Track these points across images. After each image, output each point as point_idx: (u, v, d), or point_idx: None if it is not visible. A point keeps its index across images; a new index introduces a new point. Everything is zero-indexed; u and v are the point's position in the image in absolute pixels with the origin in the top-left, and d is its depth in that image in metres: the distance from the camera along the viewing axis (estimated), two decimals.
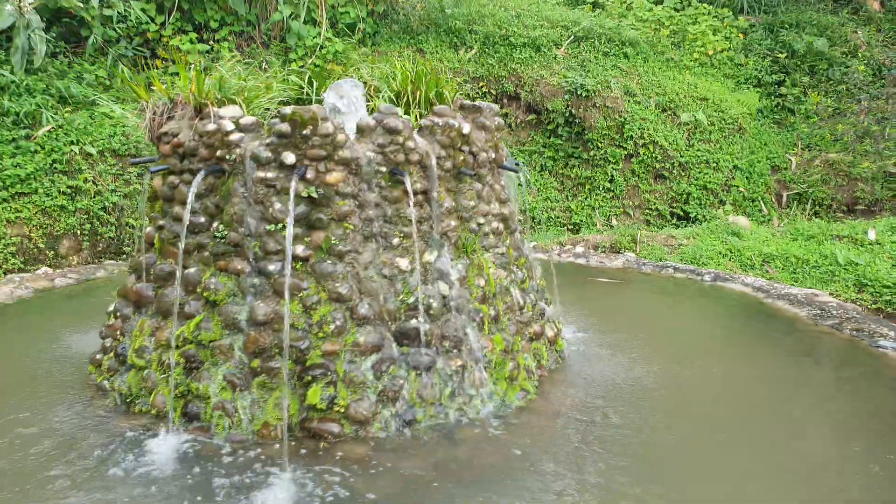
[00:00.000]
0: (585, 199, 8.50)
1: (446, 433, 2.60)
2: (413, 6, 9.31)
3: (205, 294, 2.64)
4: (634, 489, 2.21)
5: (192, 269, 2.73)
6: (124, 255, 7.18)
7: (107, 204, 7.04)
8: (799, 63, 9.96)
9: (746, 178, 8.67)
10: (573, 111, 8.54)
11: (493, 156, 3.05)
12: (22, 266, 6.72)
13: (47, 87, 7.19)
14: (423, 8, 9.37)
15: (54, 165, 6.86)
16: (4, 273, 6.47)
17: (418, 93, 3.33)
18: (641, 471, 2.33)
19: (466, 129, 2.84)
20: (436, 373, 2.67)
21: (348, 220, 2.61)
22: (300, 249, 2.56)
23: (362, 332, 2.59)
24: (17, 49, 6.91)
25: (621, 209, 8.47)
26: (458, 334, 2.73)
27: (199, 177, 2.58)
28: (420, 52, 8.98)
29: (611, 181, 8.53)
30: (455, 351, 2.72)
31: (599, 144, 8.52)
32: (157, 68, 8.23)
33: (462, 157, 2.86)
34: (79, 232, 6.96)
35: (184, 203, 2.78)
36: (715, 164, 8.55)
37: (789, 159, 8.93)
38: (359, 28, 8.93)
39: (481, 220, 2.96)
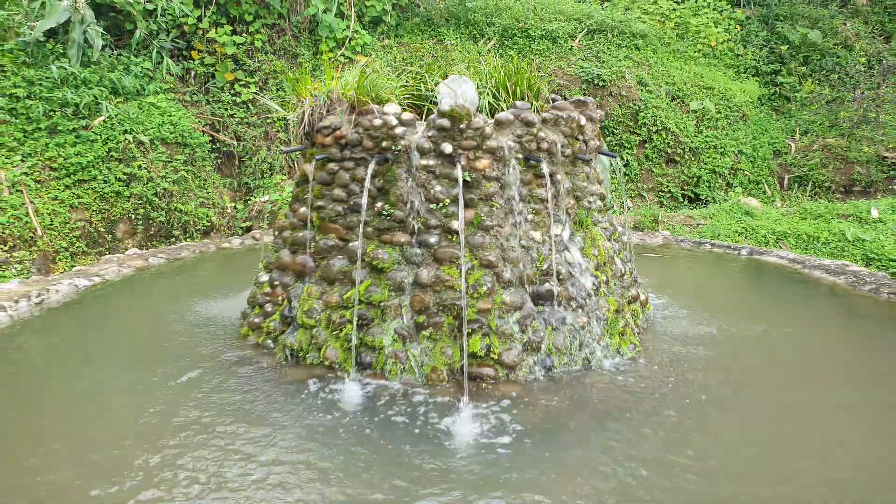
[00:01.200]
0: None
1: (577, 377, 3.12)
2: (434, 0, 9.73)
3: (373, 262, 3.12)
4: (708, 414, 2.75)
5: (355, 242, 3.20)
6: (173, 239, 7.56)
7: (158, 190, 7.39)
8: (794, 53, 10.62)
9: (751, 162, 9.31)
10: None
11: (598, 143, 3.56)
12: (86, 249, 7.08)
13: (101, 79, 7.49)
14: (443, 1, 9.79)
15: (111, 153, 7.20)
16: (71, 256, 6.83)
17: (515, 88, 3.82)
18: (712, 402, 2.87)
19: (583, 121, 3.35)
20: (566, 328, 3.18)
21: (493, 200, 3.10)
22: (455, 225, 3.05)
23: (507, 293, 3.09)
24: (74, 43, 7.20)
25: (636, 192, 9.05)
26: (582, 295, 3.24)
27: (373, 164, 3.05)
28: (441, 43, 9.42)
29: (626, 165, 9.09)
30: (580, 310, 3.24)
31: (615, 131, 9.07)
32: (194, 59, 8.57)
33: (578, 145, 3.37)
34: (133, 216, 7.32)
35: (344, 186, 3.25)
36: (722, 150, 9.16)
37: (789, 144, 9.59)
38: (383, 21, 9.33)
39: (591, 199, 3.47)
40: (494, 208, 3.11)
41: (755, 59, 10.62)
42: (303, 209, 3.46)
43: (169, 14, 8.32)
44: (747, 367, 3.29)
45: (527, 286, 3.16)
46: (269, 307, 3.49)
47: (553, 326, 3.15)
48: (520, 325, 3.08)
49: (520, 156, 3.16)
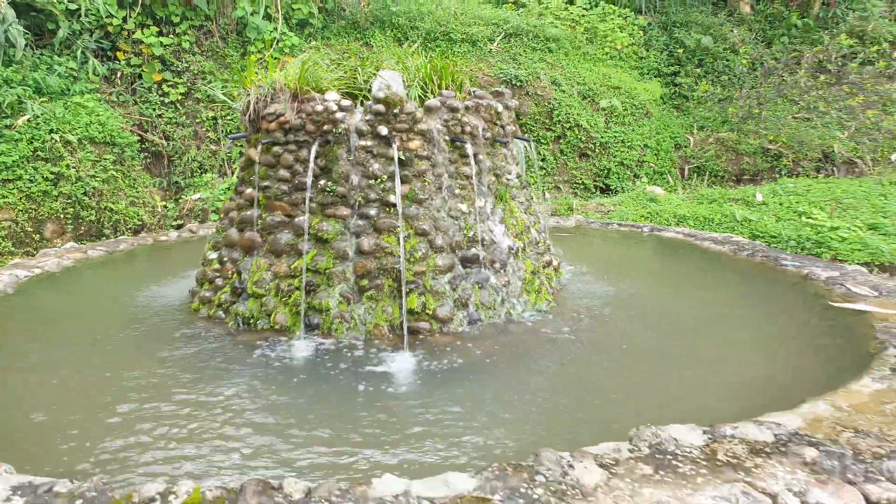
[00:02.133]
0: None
1: (500, 328, 3.59)
2: (358, 3, 10.10)
3: (318, 234, 3.49)
4: (627, 365, 3.27)
5: (300, 217, 3.57)
6: (104, 238, 7.62)
7: (88, 189, 7.45)
8: (690, 57, 11.58)
9: (655, 154, 10.13)
10: None
11: (513, 128, 4.05)
12: (13, 249, 7.07)
13: (24, 79, 7.49)
14: (368, 5, 10.19)
15: (37, 153, 7.23)
16: None
17: (441, 81, 4.27)
18: (629, 354, 3.40)
19: (500, 108, 3.83)
20: (490, 286, 3.65)
21: (425, 176, 3.54)
22: (392, 198, 3.47)
23: (439, 257, 3.53)
24: None
25: (553, 184, 9.70)
26: (503, 258, 3.72)
27: (316, 145, 3.42)
28: (367, 45, 9.81)
29: (543, 160, 9.73)
30: (502, 271, 3.71)
31: (532, 128, 9.70)
32: (120, 60, 8.63)
33: (496, 129, 3.85)
34: (62, 216, 7.36)
35: (288, 167, 3.61)
36: (629, 144, 9.94)
37: (688, 139, 10.48)
38: (310, 23, 9.63)
39: (509, 177, 3.96)
40: (426, 184, 3.54)
41: (657, 62, 11.52)
42: (249, 190, 3.79)
43: (92, 14, 8.36)
44: (644, 314, 3.85)
45: (456, 251, 3.61)
46: (219, 282, 3.80)
47: (479, 285, 3.61)
48: (451, 284, 3.53)
49: (447, 138, 3.61)
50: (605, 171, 9.75)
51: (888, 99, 10.24)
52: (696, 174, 10.14)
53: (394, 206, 3.46)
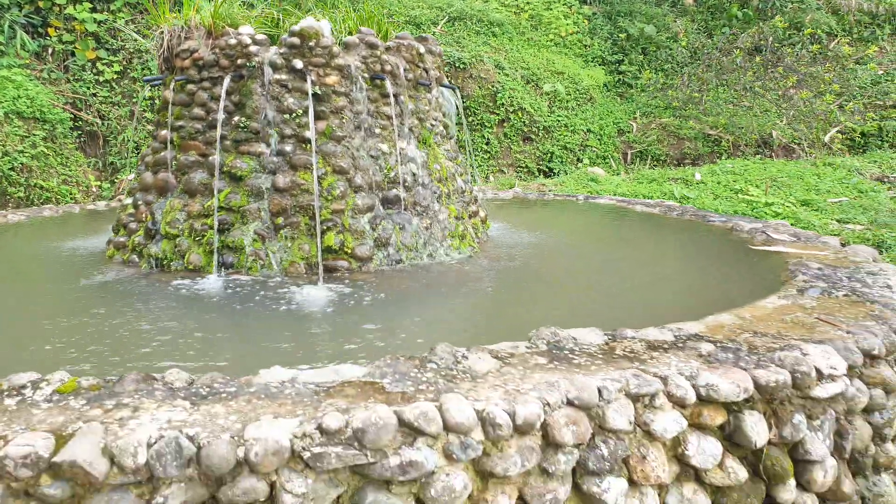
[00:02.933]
0: (466, 159, 9.66)
1: (422, 268, 3.54)
2: None
3: (232, 172, 3.40)
4: (540, 294, 3.27)
5: (214, 157, 3.47)
6: None
7: (15, 164, 7.19)
8: (633, 45, 11.78)
9: (598, 139, 10.25)
10: (452, 81, 9.66)
11: (438, 74, 4.03)
12: None
13: None
14: None
15: None
16: None
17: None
18: (546, 286, 3.40)
19: (422, 49, 3.80)
20: (412, 228, 3.60)
21: (343, 113, 3.48)
22: (307, 134, 3.40)
23: (359, 196, 3.47)
24: None
25: (497, 167, 9.72)
26: (425, 202, 3.68)
27: (228, 79, 3.34)
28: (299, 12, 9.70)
29: (487, 143, 9.76)
30: (424, 214, 3.67)
31: (476, 111, 9.72)
32: (51, 36, 8.36)
33: (419, 72, 3.81)
34: None
35: (202, 105, 3.51)
36: (572, 128, 10.04)
37: (631, 124, 10.64)
38: None
39: (433, 122, 3.93)
40: (344, 121, 3.48)
41: (601, 50, 11.68)
42: (163, 132, 3.68)
43: None
44: (566, 257, 3.88)
45: (376, 191, 3.56)
46: (133, 226, 3.68)
47: (401, 226, 3.56)
48: (371, 224, 3.47)
49: (366, 75, 3.56)
50: (549, 155, 9.82)
51: (820, 80, 10.57)
52: (638, 158, 10.30)
53: (309, 141, 3.39)
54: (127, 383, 1.83)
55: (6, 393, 1.78)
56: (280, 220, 3.35)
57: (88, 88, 8.52)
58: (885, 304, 2.64)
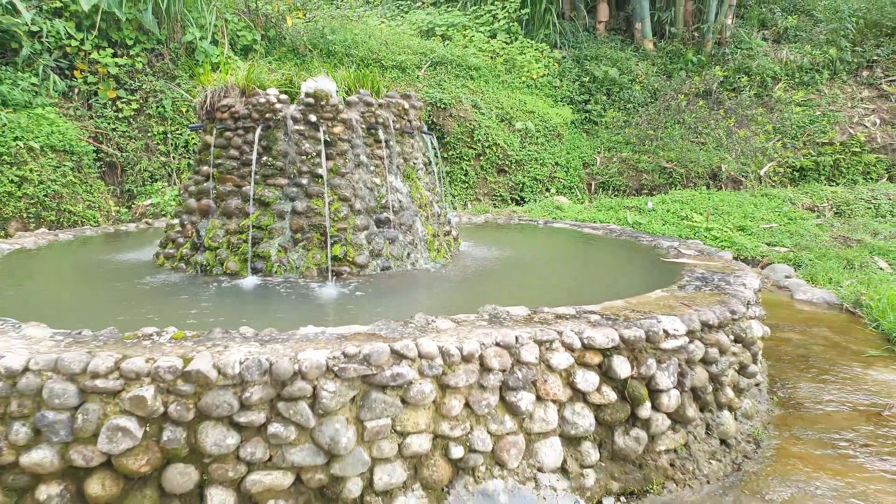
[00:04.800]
0: (447, 190, 10.78)
1: (406, 273, 4.60)
2: (299, 32, 11.16)
3: (261, 199, 4.46)
4: (494, 290, 4.33)
5: (247, 187, 4.53)
6: None
7: (49, 192, 8.19)
8: (598, 87, 13.05)
9: (565, 171, 11.42)
10: (434, 120, 10.83)
11: (419, 124, 5.13)
12: None
13: None
14: (307, 34, 11.25)
15: (2, 157, 7.94)
16: None
17: (362, 86, 5.32)
18: (499, 285, 4.47)
19: (407, 105, 4.90)
20: (399, 243, 4.67)
21: (346, 155, 4.56)
22: (320, 171, 4.47)
23: (358, 218, 4.54)
24: None
25: (474, 196, 10.85)
26: (409, 222, 4.75)
27: (259, 129, 4.41)
28: (306, 70, 10.85)
29: (465, 175, 10.89)
30: (408, 232, 4.74)
31: (455, 146, 10.87)
32: (77, 78, 9.42)
33: (404, 122, 4.92)
34: (25, 215, 8.06)
35: (237, 148, 4.58)
36: (542, 162, 11.21)
37: (595, 158, 11.84)
38: (254, 49, 10.63)
39: (415, 161, 5.02)
40: (347, 160, 4.56)
41: (569, 91, 12.93)
42: (205, 168, 4.73)
43: (52, 36, 9.16)
44: (519, 266, 4.94)
45: (371, 214, 4.63)
46: (180, 240, 4.71)
47: (390, 241, 4.63)
48: (367, 239, 4.53)
49: (364, 126, 4.65)
50: (521, 185, 10.97)
51: (756, 121, 11.86)
52: (601, 189, 11.47)
53: (321, 177, 4.46)
54: (215, 334, 2.86)
55: (142, 338, 2.80)
56: (298, 236, 4.41)
57: (109, 124, 9.56)
58: (733, 295, 3.73)
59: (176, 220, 4.80)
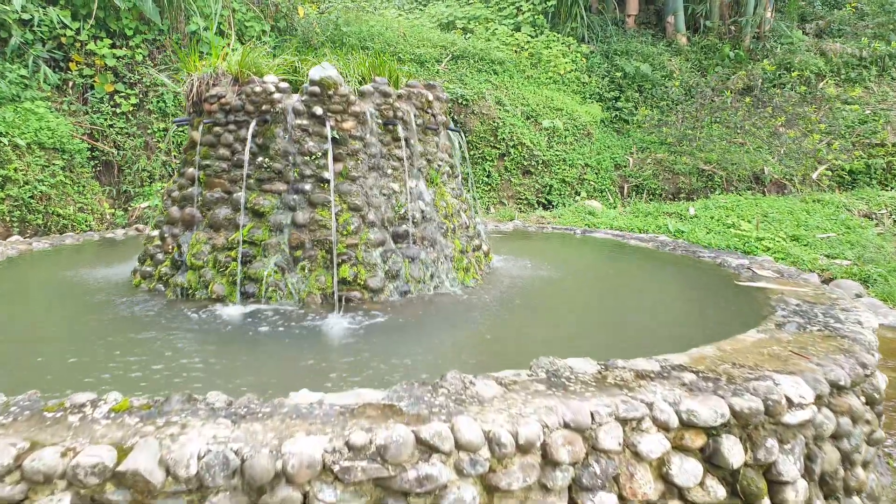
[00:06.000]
0: (467, 187, 9.96)
1: (428, 298, 3.79)
2: (311, 23, 10.39)
3: (255, 208, 3.67)
4: (540, 325, 3.51)
5: (238, 193, 3.74)
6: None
7: (35, 193, 7.47)
8: (630, 83, 12.17)
9: (595, 173, 10.56)
10: (455, 117, 10.01)
11: (444, 119, 4.32)
12: None
13: None
14: (319, 25, 10.48)
15: None
16: None
17: (378, 76, 4.52)
18: (545, 317, 3.65)
19: (431, 97, 4.09)
20: (420, 261, 3.86)
21: (358, 155, 3.76)
22: (326, 174, 3.67)
23: (372, 231, 3.73)
24: None
25: (497, 199, 10.02)
26: (433, 236, 3.94)
27: (253, 124, 3.62)
28: (315, 58, 10.07)
29: (488, 176, 10.07)
30: (431, 248, 3.93)
31: (478, 145, 10.04)
32: (72, 70, 8.70)
33: (428, 117, 4.10)
34: (8, 218, 7.34)
35: (228, 146, 3.79)
36: (570, 162, 10.36)
37: (627, 159, 10.97)
38: (262, 40, 9.87)
39: (440, 163, 4.21)
40: (360, 162, 3.76)
41: (598, 87, 12.06)
42: (190, 170, 3.95)
43: (46, 25, 8.45)
44: (568, 289, 4.12)
45: (387, 227, 3.82)
46: (160, 256, 3.93)
47: (410, 259, 3.82)
48: (382, 257, 3.73)
49: (380, 121, 3.84)
50: (548, 188, 10.12)
51: (807, 120, 10.93)
52: (634, 192, 10.60)
53: (327, 181, 3.66)
54: (173, 403, 2.06)
55: (69, 410, 2.01)
56: (299, 254, 3.61)
57: (106, 120, 8.83)
58: (854, 339, 2.89)
59: (156, 232, 4.02)
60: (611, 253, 5.46)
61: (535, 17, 12.80)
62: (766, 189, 10.63)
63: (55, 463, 1.72)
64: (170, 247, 3.88)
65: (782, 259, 7.66)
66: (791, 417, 2.26)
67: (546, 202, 10.16)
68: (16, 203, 7.35)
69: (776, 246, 8.08)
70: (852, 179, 10.72)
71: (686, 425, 2.15)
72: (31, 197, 7.44)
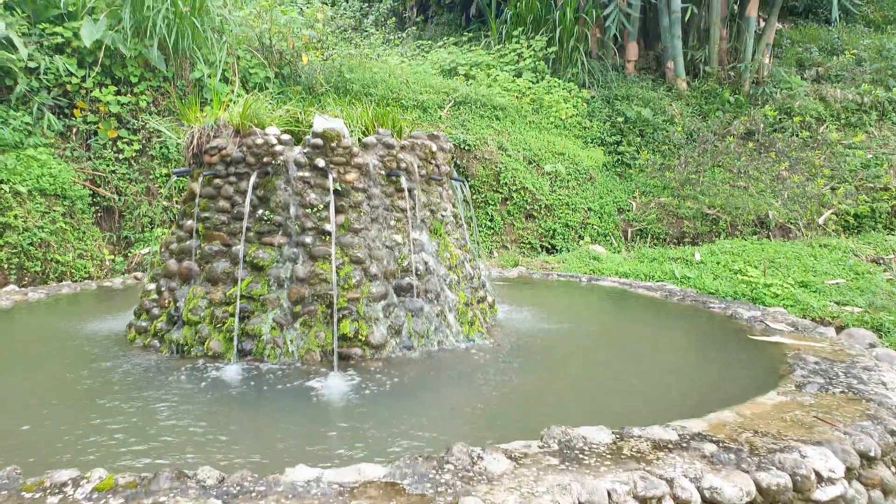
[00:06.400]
0: (471, 235, 9.89)
1: (432, 354, 3.67)
2: (314, 70, 10.47)
3: (254, 262, 3.57)
4: (549, 385, 3.37)
5: (237, 247, 3.65)
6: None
7: (34, 240, 7.40)
8: (631, 127, 12.21)
9: (599, 217, 10.50)
10: (458, 162, 10.00)
11: (448, 169, 4.26)
12: None
13: None
14: (323, 72, 10.56)
15: None
16: None
17: (381, 126, 4.48)
18: (554, 376, 3.51)
19: (434, 147, 4.03)
20: (424, 315, 3.75)
21: (361, 207, 3.68)
22: (328, 227, 3.59)
23: (374, 285, 3.63)
24: None
25: (500, 243, 9.94)
26: (437, 289, 3.84)
27: (254, 176, 3.55)
28: (322, 110, 10.12)
29: (491, 220, 10.01)
30: (435, 301, 3.82)
31: (480, 189, 10.01)
32: (76, 117, 8.73)
33: (432, 167, 4.04)
34: (6, 266, 7.25)
35: (228, 198, 3.72)
36: (573, 207, 10.31)
37: (630, 203, 10.92)
38: (267, 87, 9.93)
39: (444, 213, 4.13)
40: (362, 214, 3.68)
41: (600, 132, 12.10)
42: (189, 222, 3.87)
43: (51, 73, 8.50)
44: (576, 345, 3.99)
45: (390, 280, 3.72)
46: (155, 311, 3.82)
47: (413, 314, 3.71)
48: (384, 311, 3.62)
49: (383, 172, 3.78)
50: (551, 232, 10.06)
51: (811, 164, 10.93)
52: (638, 236, 10.53)
53: (329, 234, 3.58)
54: (161, 481, 1.93)
55: (49, 491, 1.88)
56: (298, 309, 3.50)
57: (108, 165, 8.82)
58: (879, 403, 2.75)
59: (152, 286, 3.92)
60: (618, 303, 5.34)
61: (537, 63, 12.92)
62: (770, 233, 10.56)
63: None
64: (166, 301, 3.77)
65: (791, 306, 7.52)
66: (821, 494, 2.12)
67: (550, 246, 10.08)
68: (14, 250, 7.27)
69: (785, 293, 7.95)
70: (858, 224, 10.65)
71: (709, 503, 2.01)
72: (31, 244, 7.37)
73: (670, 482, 2.01)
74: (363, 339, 3.50)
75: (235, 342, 3.48)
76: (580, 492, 1.90)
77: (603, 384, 3.30)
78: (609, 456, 2.19)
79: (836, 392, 2.91)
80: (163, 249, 4.07)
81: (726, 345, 3.98)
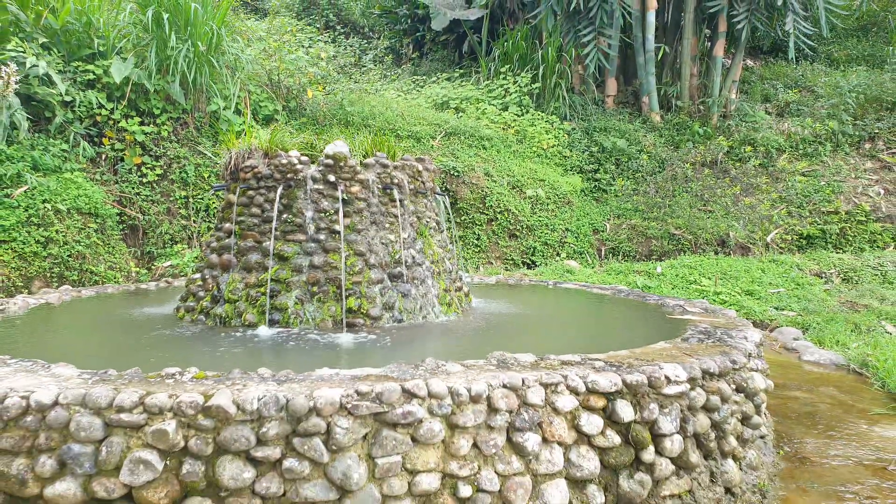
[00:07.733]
0: (450, 239, 11.02)
1: (417, 325, 4.74)
2: (318, 103, 11.68)
3: (280, 254, 4.67)
4: (503, 341, 4.46)
5: (267, 243, 4.75)
6: None
7: (73, 252, 8.48)
8: (608, 157, 13.42)
9: (575, 237, 11.64)
10: (448, 186, 11.16)
11: (432, 185, 5.38)
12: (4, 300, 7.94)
13: (23, 156, 8.65)
14: (326, 105, 11.77)
15: (31, 219, 8.27)
16: None
17: (379, 150, 5.61)
18: (508, 337, 4.59)
19: (420, 168, 5.16)
20: (411, 296, 4.83)
21: (362, 213, 4.78)
22: (337, 227, 4.69)
23: (372, 272, 4.72)
24: (1, 125, 8.38)
25: (486, 260, 11.05)
26: (422, 277, 4.93)
27: (281, 188, 4.66)
28: (327, 137, 11.31)
29: (478, 239, 11.13)
30: (421, 286, 4.91)
31: (468, 211, 11.15)
32: (105, 145, 9.88)
33: (418, 183, 5.16)
34: (48, 275, 8.32)
35: (259, 206, 4.82)
36: (552, 227, 11.44)
37: (605, 224, 12.06)
38: (275, 119, 11.12)
39: (428, 219, 5.24)
40: (363, 218, 4.78)
41: (579, 161, 13.30)
42: (227, 225, 4.97)
43: (84, 106, 9.67)
44: (530, 321, 5.06)
45: (385, 269, 4.81)
46: (201, 293, 4.90)
47: (403, 294, 4.79)
48: (381, 292, 4.70)
49: (380, 186, 4.89)
50: (531, 250, 11.17)
51: (758, 189, 12.10)
52: (611, 254, 11.65)
53: (338, 232, 4.67)
54: (234, 374, 3.00)
55: (165, 377, 2.95)
56: (315, 289, 4.58)
57: (133, 188, 9.94)
58: (734, 346, 3.83)
59: (197, 275, 5.00)
60: (574, 298, 6.44)
61: (522, 97, 14.18)
62: (731, 251, 11.69)
63: (165, 401, 2.65)
64: (210, 285, 4.85)
65: (737, 311, 8.62)
66: (668, 390, 3.20)
67: (530, 262, 11.19)
68: (56, 261, 8.35)
69: (732, 299, 9.06)
70: (809, 243, 11.79)
71: (591, 391, 3.08)
72: (69, 256, 8.45)
73: (565, 377, 3.09)
74: (364, 312, 4.58)
75: (267, 314, 4.55)
76: (504, 378, 2.97)
77: (544, 341, 4.37)
78: (530, 367, 3.25)
79: (708, 342, 3.99)
80: (205, 248, 5.15)
81: (647, 321, 5.06)
